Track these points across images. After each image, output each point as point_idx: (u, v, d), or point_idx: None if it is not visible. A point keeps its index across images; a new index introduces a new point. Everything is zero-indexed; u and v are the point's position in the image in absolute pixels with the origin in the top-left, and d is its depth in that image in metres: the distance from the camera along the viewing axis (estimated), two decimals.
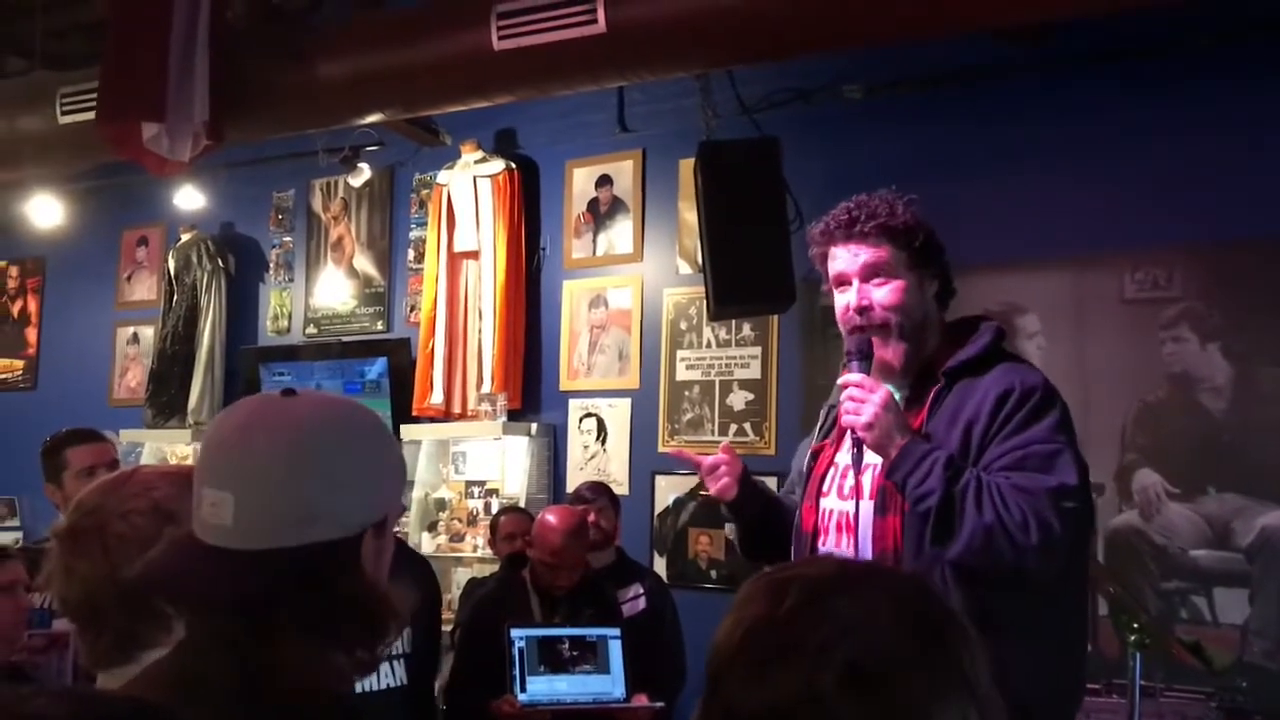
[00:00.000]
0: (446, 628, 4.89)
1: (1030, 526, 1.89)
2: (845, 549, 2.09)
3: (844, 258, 2.12)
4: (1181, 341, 4.12)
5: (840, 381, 2.11)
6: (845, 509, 2.12)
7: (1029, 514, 1.90)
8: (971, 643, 0.92)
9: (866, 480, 2.08)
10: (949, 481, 1.93)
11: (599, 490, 4.40)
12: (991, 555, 1.92)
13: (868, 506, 2.07)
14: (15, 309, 7.43)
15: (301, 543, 1.13)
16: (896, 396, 2.11)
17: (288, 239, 6.39)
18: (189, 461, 4.34)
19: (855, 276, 2.11)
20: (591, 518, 4.05)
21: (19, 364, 7.37)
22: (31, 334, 7.35)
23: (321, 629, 1.13)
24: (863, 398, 2.03)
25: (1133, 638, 2.80)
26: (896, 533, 2.02)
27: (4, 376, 7.41)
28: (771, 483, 4.84)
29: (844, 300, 2.14)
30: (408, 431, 5.46)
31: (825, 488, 2.19)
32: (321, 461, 1.15)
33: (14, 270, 7.46)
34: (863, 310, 2.10)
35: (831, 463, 2.20)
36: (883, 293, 2.10)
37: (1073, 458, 1.98)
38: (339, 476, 1.16)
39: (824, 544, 2.14)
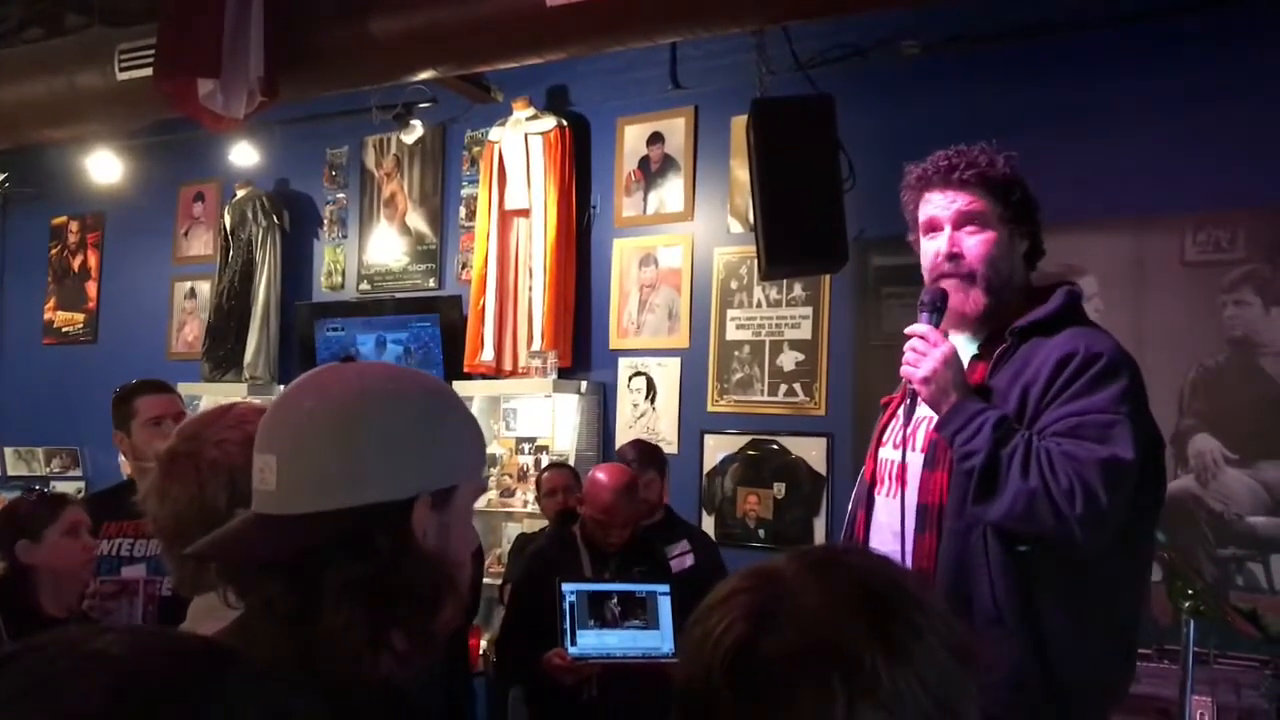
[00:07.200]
0: (496, 581, 5.00)
1: (1076, 496, 1.84)
2: (894, 499, 2.08)
3: (939, 203, 2.11)
4: (1244, 305, 4.04)
5: (907, 330, 2.09)
6: (897, 459, 2.11)
7: (1076, 483, 1.84)
8: (893, 654, 0.88)
9: (921, 433, 2.07)
10: (997, 443, 1.90)
11: (645, 460, 4.25)
12: (1033, 521, 1.88)
13: (916, 459, 2.06)
14: (76, 263, 7.56)
15: (343, 506, 1.06)
16: (974, 350, 2.09)
17: (341, 196, 6.43)
18: None
19: (948, 223, 2.09)
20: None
21: (80, 318, 7.51)
22: (92, 288, 7.48)
23: (370, 600, 1.07)
24: (924, 350, 2.02)
25: (1187, 604, 2.77)
26: (942, 488, 1.99)
27: (66, 330, 7.56)
28: (821, 443, 4.88)
29: (933, 247, 2.12)
30: (459, 388, 5.50)
31: (885, 438, 2.19)
32: (369, 423, 1.09)
33: (74, 225, 7.59)
34: (953, 257, 2.08)
35: (894, 414, 2.19)
36: (974, 241, 2.07)
37: (1132, 430, 1.89)
38: (388, 439, 1.09)
39: (879, 492, 2.14)
